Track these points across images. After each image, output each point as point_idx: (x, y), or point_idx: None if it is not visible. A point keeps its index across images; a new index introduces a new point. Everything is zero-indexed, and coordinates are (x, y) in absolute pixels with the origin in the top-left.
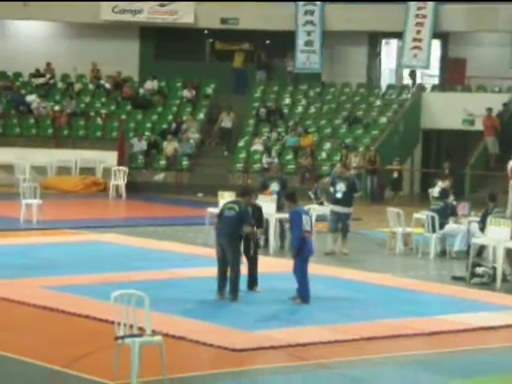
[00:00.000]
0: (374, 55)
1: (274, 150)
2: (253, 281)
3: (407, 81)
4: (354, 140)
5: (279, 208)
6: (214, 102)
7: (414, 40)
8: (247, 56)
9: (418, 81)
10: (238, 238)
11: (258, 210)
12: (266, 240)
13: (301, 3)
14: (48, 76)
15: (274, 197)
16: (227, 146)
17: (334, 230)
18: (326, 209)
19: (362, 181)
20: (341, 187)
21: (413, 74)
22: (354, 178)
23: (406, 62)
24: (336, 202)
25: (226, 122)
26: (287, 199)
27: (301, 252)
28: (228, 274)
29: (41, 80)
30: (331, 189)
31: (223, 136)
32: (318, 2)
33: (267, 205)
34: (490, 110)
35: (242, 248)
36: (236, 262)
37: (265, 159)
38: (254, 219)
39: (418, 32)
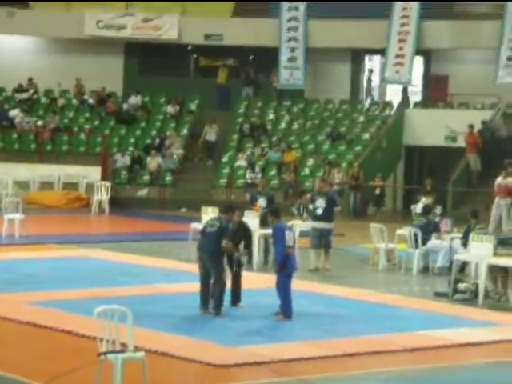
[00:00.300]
0: (359, 71)
1: (257, 165)
2: (236, 297)
3: (390, 97)
4: (337, 156)
5: (265, 223)
6: (197, 118)
7: (397, 56)
8: (231, 72)
9: (400, 98)
10: (220, 253)
11: (245, 230)
12: (250, 256)
13: (284, 20)
14: (31, 91)
15: (259, 212)
16: (212, 158)
17: (317, 246)
18: (309, 224)
19: (344, 197)
20: (320, 203)
21: (405, 91)
22: (333, 193)
23: (389, 77)
24: (317, 218)
25: (210, 134)
26: (270, 215)
27: (284, 268)
28: (211, 288)
29: (24, 95)
30: (310, 206)
31: (207, 149)
32: (301, 18)
33: (251, 220)
34: (471, 126)
35: (225, 263)
36: (219, 277)
37: (248, 175)
38: (239, 238)
39: (401, 48)
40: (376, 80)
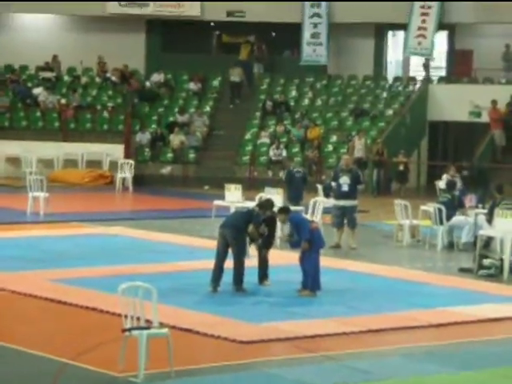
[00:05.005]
0: (383, 47)
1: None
2: (263, 275)
3: (414, 73)
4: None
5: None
6: (220, 95)
7: (419, 29)
8: (253, 48)
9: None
10: (244, 230)
11: (272, 221)
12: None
13: None
14: (54, 73)
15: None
16: (237, 97)
17: (339, 225)
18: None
19: (368, 173)
20: (345, 180)
21: (427, 65)
22: (358, 170)
23: (410, 49)
24: (342, 195)
25: (235, 76)
26: (280, 213)
27: (312, 243)
28: (232, 266)
29: (48, 74)
30: (333, 183)
31: (233, 89)
32: None
33: (274, 198)
34: (495, 102)
35: (247, 241)
36: (239, 253)
37: (272, 151)
38: (265, 226)
39: (424, 21)
40: (391, 56)
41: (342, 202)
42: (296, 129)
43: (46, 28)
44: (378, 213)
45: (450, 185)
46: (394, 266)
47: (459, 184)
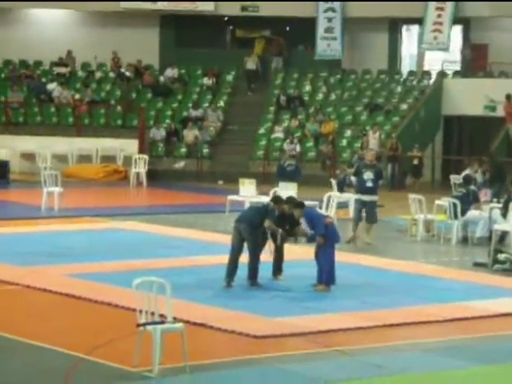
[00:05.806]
0: (397, 41)
1: (295, 137)
2: (277, 268)
3: (429, 67)
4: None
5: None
6: (234, 89)
7: (435, 23)
8: (268, 42)
9: (439, 67)
10: (259, 225)
11: (293, 218)
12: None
13: None
14: (68, 68)
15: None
16: (251, 87)
17: (358, 219)
18: (347, 196)
19: (382, 167)
20: (369, 175)
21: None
22: (380, 165)
23: (426, 44)
24: (366, 190)
25: (250, 64)
26: (296, 208)
27: (328, 238)
28: (247, 260)
29: (62, 70)
30: (352, 178)
31: (249, 78)
32: None
33: (288, 192)
34: (510, 96)
35: (267, 236)
36: (254, 248)
37: (286, 146)
38: (285, 223)
39: (439, 16)
40: (406, 50)
41: (365, 197)
42: (310, 123)
43: (60, 23)
44: (392, 207)
45: (466, 179)
46: (409, 260)
47: (480, 179)
